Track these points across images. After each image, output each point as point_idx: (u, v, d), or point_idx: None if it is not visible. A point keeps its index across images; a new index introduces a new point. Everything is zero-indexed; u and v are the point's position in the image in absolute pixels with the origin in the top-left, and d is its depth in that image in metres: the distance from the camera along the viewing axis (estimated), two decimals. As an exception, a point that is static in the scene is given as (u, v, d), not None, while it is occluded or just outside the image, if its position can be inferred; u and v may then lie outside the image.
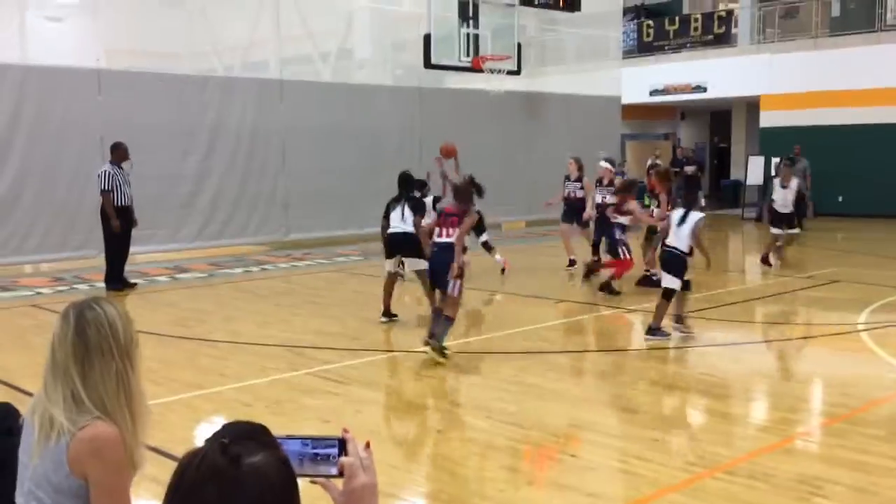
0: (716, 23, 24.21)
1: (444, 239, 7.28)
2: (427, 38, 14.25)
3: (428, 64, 14.28)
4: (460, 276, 7.21)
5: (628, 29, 25.58)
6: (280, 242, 15.62)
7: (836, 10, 22.61)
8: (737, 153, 25.90)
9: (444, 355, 7.07)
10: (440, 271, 7.26)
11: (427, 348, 7.13)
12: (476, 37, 15.01)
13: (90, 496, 2.45)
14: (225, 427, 1.32)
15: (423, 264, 8.56)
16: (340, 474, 1.54)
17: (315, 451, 1.54)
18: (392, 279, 8.95)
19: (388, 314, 8.83)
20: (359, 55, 19.65)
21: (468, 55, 14.85)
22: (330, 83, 17.35)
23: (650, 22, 25.54)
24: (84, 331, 2.50)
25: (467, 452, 5.09)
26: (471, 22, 14.73)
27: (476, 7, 14.70)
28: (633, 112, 24.31)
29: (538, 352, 7.68)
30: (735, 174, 24.92)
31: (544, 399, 6.21)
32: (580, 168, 12.40)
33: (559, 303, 10.13)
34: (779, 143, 21.02)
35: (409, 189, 9.02)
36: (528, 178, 19.38)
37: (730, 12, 24.31)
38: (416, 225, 8.72)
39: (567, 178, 12.47)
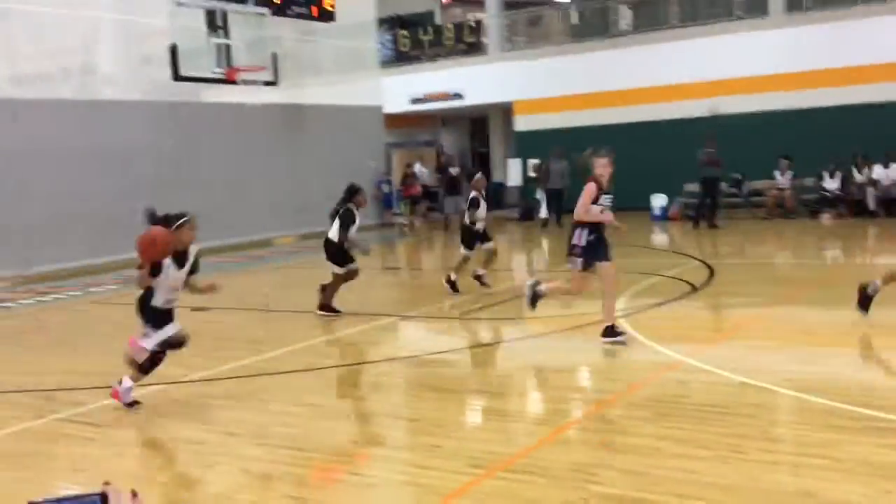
0: (466, 32, 25.06)
1: None
2: (173, 49, 13.48)
3: (177, 76, 13.54)
4: None
5: (385, 39, 25.88)
6: (22, 277, 14.20)
7: (574, 18, 24.15)
8: (496, 156, 27.01)
9: None
10: None
11: None
12: (229, 48, 14.44)
13: None
14: None
15: (337, 269, 9.58)
16: None
17: None
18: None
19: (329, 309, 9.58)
20: (104, 70, 18.40)
21: (221, 67, 14.26)
22: (72, 100, 16.07)
23: (405, 32, 25.99)
24: None
25: (243, 485, 4.74)
26: (221, 32, 14.13)
27: (225, 17, 14.12)
28: (396, 121, 24.64)
29: (317, 368, 7.42)
30: (497, 177, 25.95)
31: (326, 418, 5.98)
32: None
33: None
34: (533, 144, 22.08)
35: (346, 199, 9.53)
36: (296, 192, 19.09)
37: (479, 22, 25.25)
38: (341, 237, 9.41)
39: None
